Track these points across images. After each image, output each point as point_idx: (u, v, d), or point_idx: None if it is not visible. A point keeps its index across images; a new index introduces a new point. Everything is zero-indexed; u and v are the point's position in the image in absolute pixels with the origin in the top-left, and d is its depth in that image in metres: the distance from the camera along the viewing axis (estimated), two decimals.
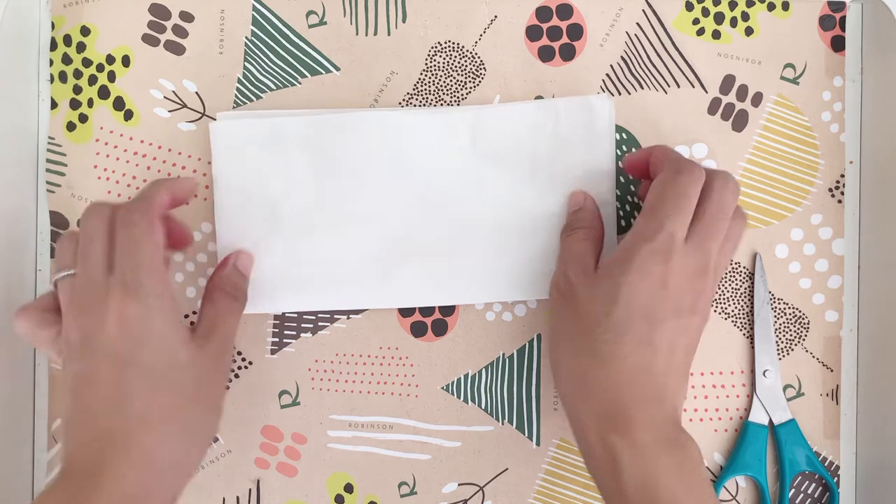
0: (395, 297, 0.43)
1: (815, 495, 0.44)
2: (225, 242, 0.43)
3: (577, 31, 0.44)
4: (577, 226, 0.41)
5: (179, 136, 0.44)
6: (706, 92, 0.44)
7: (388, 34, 0.44)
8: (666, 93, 0.44)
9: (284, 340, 0.44)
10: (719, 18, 0.44)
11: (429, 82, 0.44)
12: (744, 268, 0.44)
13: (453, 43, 0.44)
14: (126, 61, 0.44)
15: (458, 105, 0.44)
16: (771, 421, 0.44)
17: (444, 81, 0.44)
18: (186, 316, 0.44)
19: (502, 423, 0.44)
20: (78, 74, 0.44)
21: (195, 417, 0.36)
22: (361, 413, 0.44)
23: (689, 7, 0.44)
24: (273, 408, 0.44)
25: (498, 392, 0.44)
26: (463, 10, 0.44)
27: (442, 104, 0.44)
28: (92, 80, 0.44)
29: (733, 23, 0.45)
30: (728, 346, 0.44)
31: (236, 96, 0.44)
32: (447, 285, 0.43)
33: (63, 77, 0.44)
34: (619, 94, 0.44)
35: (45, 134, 0.44)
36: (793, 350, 0.45)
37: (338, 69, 0.44)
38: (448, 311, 0.44)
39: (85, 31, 0.44)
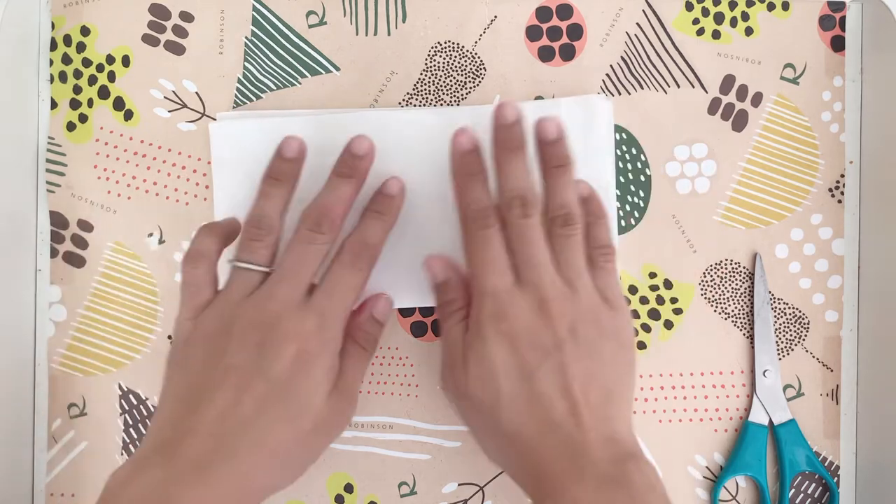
0: (395, 298, 0.43)
1: (815, 495, 0.44)
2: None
3: (577, 31, 0.44)
4: (450, 309, 0.38)
5: (179, 136, 0.44)
6: (706, 92, 0.44)
7: (388, 34, 0.44)
8: (666, 93, 0.44)
9: None
10: (719, 18, 0.45)
11: (429, 82, 0.44)
12: (744, 268, 0.45)
13: (453, 43, 0.44)
14: (126, 61, 0.44)
15: (458, 105, 0.44)
16: (771, 421, 0.44)
17: (444, 81, 0.44)
18: None
19: None
20: (78, 74, 0.44)
21: (299, 458, 0.36)
22: (361, 413, 0.44)
23: (689, 7, 0.44)
24: None
25: None
26: (463, 10, 0.44)
27: (442, 104, 0.44)
28: (92, 80, 0.44)
29: (733, 23, 0.45)
30: (728, 346, 0.44)
31: (236, 96, 0.44)
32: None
33: (63, 77, 0.44)
34: (619, 94, 0.44)
35: (45, 134, 0.44)
36: (793, 350, 0.45)
37: (338, 69, 0.44)
38: None
39: (85, 31, 0.44)
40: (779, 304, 0.45)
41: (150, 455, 0.33)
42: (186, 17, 0.44)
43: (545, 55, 0.44)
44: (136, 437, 0.44)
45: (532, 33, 0.44)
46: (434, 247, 0.43)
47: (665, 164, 0.44)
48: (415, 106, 0.44)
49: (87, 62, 0.44)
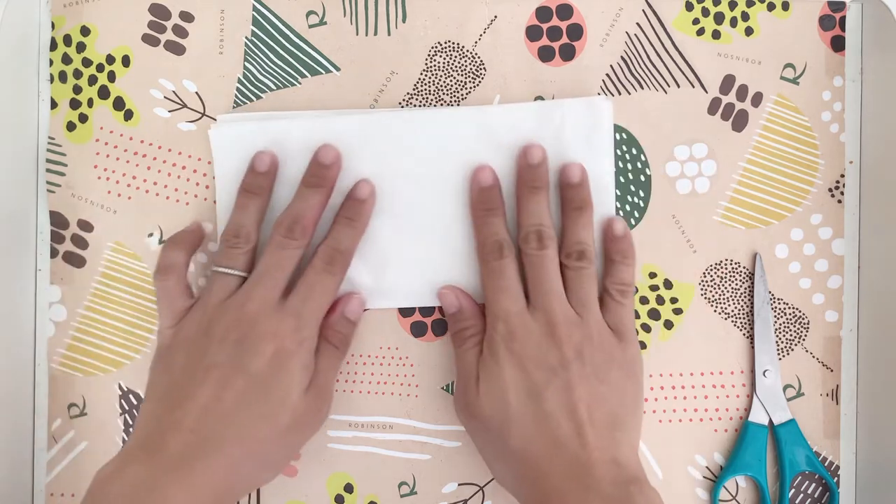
0: (395, 297, 0.43)
1: (815, 495, 0.44)
2: None
3: (577, 31, 0.44)
4: (464, 336, 0.41)
5: (179, 136, 0.44)
6: (706, 92, 0.44)
7: (388, 34, 0.44)
8: (666, 93, 0.44)
9: None
10: (719, 18, 0.44)
11: (429, 82, 0.44)
12: (744, 268, 0.44)
13: (453, 43, 0.44)
14: (126, 61, 0.44)
15: (459, 105, 0.44)
16: (771, 421, 0.44)
17: (444, 81, 0.44)
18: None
19: None
20: (78, 74, 0.44)
21: (277, 453, 0.38)
22: (361, 413, 0.44)
23: (689, 7, 0.44)
24: None
25: None
26: (463, 10, 0.44)
27: (442, 104, 0.44)
28: (92, 80, 0.44)
29: (733, 23, 0.45)
30: (728, 346, 0.44)
31: (236, 96, 0.44)
32: (451, 285, 0.43)
33: (63, 77, 0.44)
34: (619, 94, 0.44)
35: (45, 134, 0.44)
36: (793, 350, 0.45)
37: (338, 69, 0.44)
38: None
39: (85, 31, 0.44)
40: (779, 304, 0.45)
41: (134, 451, 0.34)
42: (186, 17, 0.44)
43: (545, 55, 0.44)
44: None
45: (532, 33, 0.44)
46: (434, 246, 0.43)
47: (665, 164, 0.44)
48: (415, 106, 0.44)
49: (87, 62, 0.44)
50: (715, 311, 0.44)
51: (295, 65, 0.44)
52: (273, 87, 0.44)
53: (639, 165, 0.44)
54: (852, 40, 0.45)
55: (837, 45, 0.45)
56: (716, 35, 0.44)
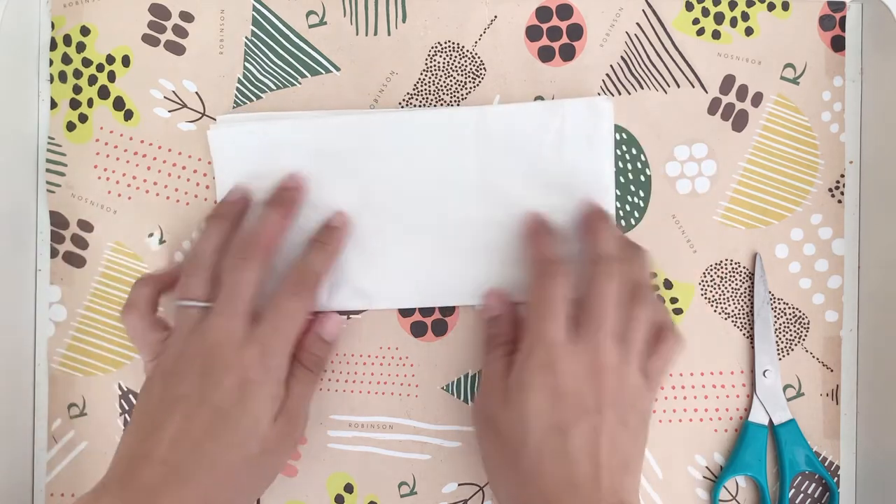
0: (395, 298, 0.43)
1: (815, 495, 0.44)
2: None
3: (577, 31, 0.44)
4: (496, 342, 0.40)
5: (179, 136, 0.44)
6: (706, 92, 0.44)
7: (388, 34, 0.44)
8: (666, 93, 0.44)
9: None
10: (719, 18, 0.44)
11: (429, 82, 0.44)
12: (744, 268, 0.44)
13: (453, 43, 0.44)
14: (126, 61, 0.44)
15: (459, 105, 0.44)
16: (771, 421, 0.44)
17: (444, 81, 0.44)
18: None
19: None
20: (78, 74, 0.44)
21: (251, 479, 0.37)
22: (361, 413, 0.44)
23: (689, 7, 0.44)
24: None
25: None
26: (463, 10, 0.44)
27: (442, 104, 0.44)
28: (92, 80, 0.44)
29: (733, 23, 0.45)
30: (728, 346, 0.44)
31: (236, 96, 0.44)
32: (448, 286, 0.43)
33: (63, 77, 0.44)
34: (619, 94, 0.44)
35: (45, 134, 0.44)
36: (793, 350, 0.45)
37: (338, 69, 0.44)
38: (448, 311, 0.44)
39: (85, 31, 0.44)
40: (779, 304, 0.45)
41: (109, 483, 0.35)
42: (186, 17, 0.44)
43: (545, 55, 0.44)
44: None
45: (532, 33, 0.44)
46: (436, 246, 0.43)
47: (665, 164, 0.44)
48: (415, 106, 0.44)
49: (87, 62, 0.44)
50: (715, 311, 0.44)
51: (295, 65, 0.44)
52: (273, 87, 0.44)
53: (639, 165, 0.44)
54: (852, 40, 0.45)
55: (837, 45, 0.45)
56: (716, 35, 0.44)
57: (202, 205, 0.44)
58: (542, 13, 0.44)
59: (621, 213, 0.44)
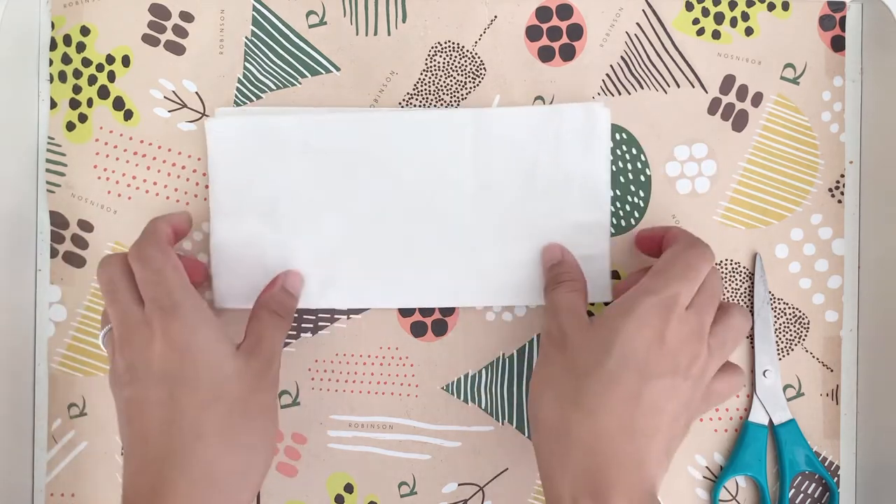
0: (392, 298, 0.43)
1: (815, 495, 0.44)
2: (220, 239, 0.43)
3: (577, 31, 0.44)
4: (561, 279, 0.40)
5: (179, 136, 0.44)
6: (706, 92, 0.44)
7: (388, 34, 0.44)
8: (666, 93, 0.44)
9: (285, 340, 0.44)
10: (719, 18, 0.44)
11: (429, 82, 0.44)
12: (744, 268, 0.44)
13: (453, 43, 0.44)
14: (126, 61, 0.44)
15: (459, 105, 0.44)
16: (771, 421, 0.44)
17: (444, 81, 0.44)
18: None
19: (502, 423, 0.44)
20: (78, 74, 0.44)
21: (250, 429, 0.36)
22: (361, 413, 0.44)
23: (689, 7, 0.44)
24: None
25: (498, 392, 0.44)
26: (463, 10, 0.44)
27: (442, 104, 0.44)
28: (92, 79, 0.44)
29: (733, 23, 0.44)
30: None
31: (236, 96, 0.44)
32: (446, 287, 0.43)
33: (63, 77, 0.44)
34: (619, 94, 0.44)
35: (44, 134, 0.44)
36: (793, 350, 0.45)
37: (338, 69, 0.44)
38: (448, 311, 0.44)
39: (85, 30, 0.44)
40: (779, 304, 0.45)
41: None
42: (186, 17, 0.44)
43: (545, 55, 0.44)
44: None
45: (532, 33, 0.44)
46: (433, 247, 0.43)
47: (665, 164, 0.44)
48: (415, 106, 0.44)
49: (86, 62, 0.44)
50: None
51: (295, 65, 0.44)
52: (273, 87, 0.44)
53: (639, 165, 0.44)
54: (852, 40, 0.45)
55: (837, 45, 0.45)
56: (716, 35, 0.44)
57: (202, 205, 0.44)
58: (542, 13, 0.44)
59: (621, 213, 0.44)
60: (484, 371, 0.44)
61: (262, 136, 0.42)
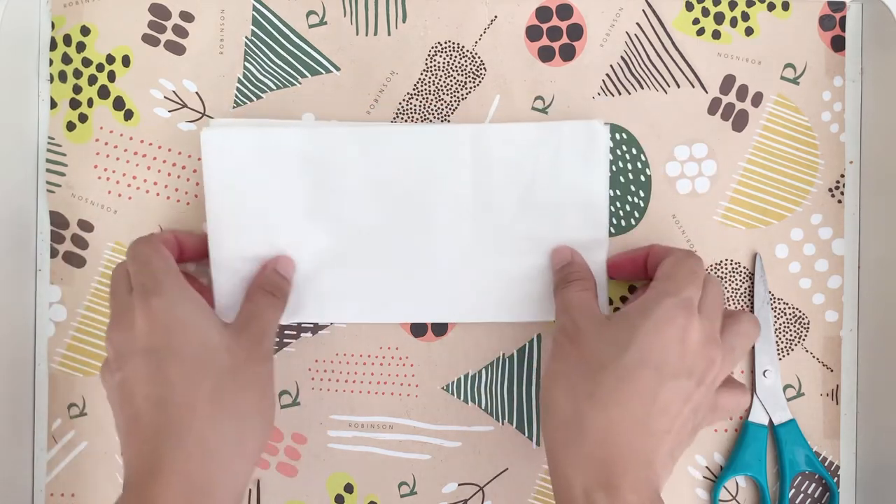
0: (389, 313, 0.43)
1: (815, 495, 0.44)
2: (218, 254, 0.42)
3: (577, 31, 0.44)
4: (572, 278, 0.40)
5: (179, 136, 0.44)
6: (706, 92, 0.44)
7: (388, 34, 0.44)
8: (666, 93, 0.44)
9: (284, 340, 0.44)
10: (719, 18, 0.44)
11: (429, 82, 0.44)
12: (744, 268, 0.44)
13: (453, 43, 0.44)
14: (126, 61, 0.44)
15: (459, 105, 0.44)
16: (771, 421, 0.44)
17: (444, 81, 0.44)
18: None
19: (502, 423, 0.44)
20: (78, 74, 0.44)
21: (243, 401, 0.36)
22: (361, 413, 0.44)
23: (689, 7, 0.44)
24: None
25: (498, 392, 0.44)
26: (463, 10, 0.44)
27: (442, 104, 0.44)
28: (92, 79, 0.44)
29: (733, 23, 0.45)
30: None
31: (236, 96, 0.44)
32: (443, 303, 0.43)
33: (63, 77, 0.44)
34: (619, 94, 0.44)
35: (45, 134, 0.44)
36: (793, 350, 0.45)
37: (338, 69, 0.44)
38: None
39: (85, 30, 0.44)
40: (779, 304, 0.45)
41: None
42: (186, 16, 0.44)
43: (545, 55, 0.44)
44: None
45: (532, 33, 0.44)
46: (429, 262, 0.43)
47: (665, 164, 0.44)
48: (415, 106, 0.44)
49: (87, 62, 0.44)
50: None
51: (295, 65, 0.44)
52: (273, 87, 0.44)
53: (639, 165, 0.44)
54: (852, 40, 0.45)
55: (837, 45, 0.45)
56: (716, 35, 0.44)
57: (202, 205, 0.44)
58: (542, 13, 0.44)
59: (621, 213, 0.44)
60: (484, 371, 0.44)
61: (259, 149, 0.42)
